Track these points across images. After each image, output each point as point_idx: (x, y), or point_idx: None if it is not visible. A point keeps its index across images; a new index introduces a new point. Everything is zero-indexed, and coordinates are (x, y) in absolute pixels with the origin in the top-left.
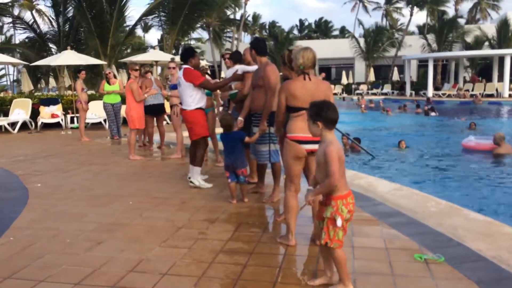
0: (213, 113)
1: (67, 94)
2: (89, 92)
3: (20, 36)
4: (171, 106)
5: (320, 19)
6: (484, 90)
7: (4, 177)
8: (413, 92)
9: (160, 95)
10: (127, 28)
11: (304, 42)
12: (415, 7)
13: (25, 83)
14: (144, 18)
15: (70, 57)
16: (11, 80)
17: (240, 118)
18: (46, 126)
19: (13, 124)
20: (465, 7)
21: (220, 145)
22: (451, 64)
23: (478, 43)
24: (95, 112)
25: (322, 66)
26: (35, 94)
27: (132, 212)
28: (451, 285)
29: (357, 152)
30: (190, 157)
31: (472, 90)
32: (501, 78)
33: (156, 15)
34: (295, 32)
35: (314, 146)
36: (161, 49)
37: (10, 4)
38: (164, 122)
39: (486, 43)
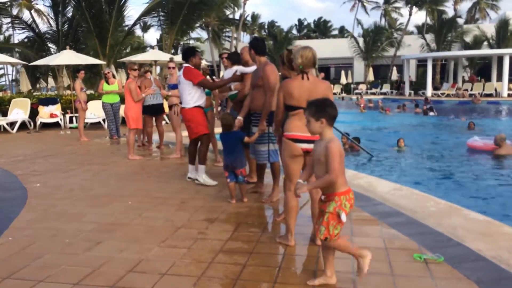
0: (212, 112)
1: (66, 94)
2: (88, 91)
3: (19, 36)
4: (170, 106)
5: (319, 18)
6: (483, 89)
7: (3, 177)
8: (412, 92)
9: (159, 95)
10: (126, 28)
11: (303, 42)
12: (414, 6)
13: (24, 83)
14: (143, 17)
15: (69, 57)
16: (10, 79)
17: (240, 118)
18: (45, 126)
19: (12, 124)
20: (464, 6)
21: (219, 145)
22: (450, 64)
23: (477, 43)
24: (94, 112)
25: (321, 66)
26: (34, 93)
27: (132, 212)
28: (451, 285)
29: (356, 152)
30: (189, 156)
31: (471, 90)
32: (500, 78)
33: (155, 14)
34: (294, 31)
35: (310, 146)
36: (160, 49)
37: (8, 3)
38: (163, 122)
39: (485, 43)
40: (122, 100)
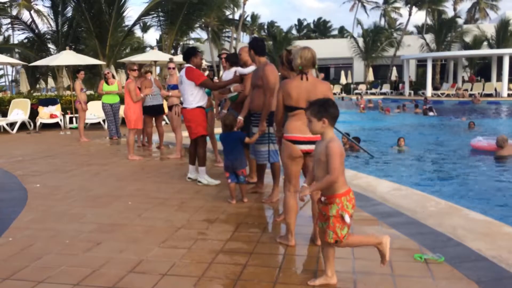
0: (212, 112)
1: (66, 94)
2: (88, 92)
3: (19, 36)
4: (170, 107)
5: (319, 19)
6: (483, 89)
7: (3, 178)
8: (412, 92)
9: (159, 95)
10: (126, 28)
11: (303, 42)
12: (413, 7)
13: (24, 83)
14: (142, 18)
15: (68, 57)
16: (10, 80)
17: (240, 118)
18: (45, 126)
19: (11, 125)
20: (464, 7)
21: (219, 145)
22: (449, 64)
23: (477, 43)
24: (94, 112)
25: (321, 66)
26: (34, 94)
27: (131, 213)
28: (451, 285)
29: (356, 152)
30: (189, 157)
31: (471, 90)
32: (499, 78)
33: (155, 15)
34: (294, 32)
35: (310, 147)
36: (160, 49)
37: (8, 4)
38: (163, 122)
39: (485, 43)
40: (122, 101)
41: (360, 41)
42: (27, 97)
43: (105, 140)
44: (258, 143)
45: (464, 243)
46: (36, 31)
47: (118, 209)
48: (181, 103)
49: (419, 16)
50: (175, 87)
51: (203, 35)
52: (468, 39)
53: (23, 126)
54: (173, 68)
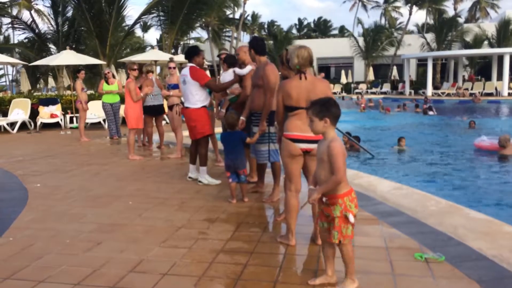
0: (212, 112)
1: (66, 94)
2: (88, 92)
3: (19, 36)
4: (170, 106)
5: (319, 18)
6: (483, 89)
7: (4, 178)
8: (412, 91)
9: (159, 96)
10: (126, 28)
11: (303, 42)
12: (414, 6)
13: (24, 83)
14: (143, 17)
15: (69, 57)
16: (10, 80)
17: (242, 118)
18: (45, 126)
19: (12, 124)
20: (464, 6)
21: (220, 145)
22: (450, 63)
23: (477, 42)
24: (95, 112)
25: (321, 65)
26: (34, 94)
27: (132, 213)
28: (452, 284)
29: (356, 151)
30: (190, 156)
31: (471, 89)
32: (500, 77)
33: (155, 14)
34: (294, 31)
35: (310, 146)
36: (160, 48)
37: (8, 4)
38: (163, 122)
39: (486, 42)
40: (122, 100)
41: (361, 40)
42: (27, 97)
43: (105, 140)
44: (258, 142)
45: (465, 243)
46: (37, 31)
47: (119, 209)
48: (182, 102)
49: (420, 15)
50: (175, 86)
51: (204, 34)
52: (468, 38)
53: (23, 126)
54: (174, 68)
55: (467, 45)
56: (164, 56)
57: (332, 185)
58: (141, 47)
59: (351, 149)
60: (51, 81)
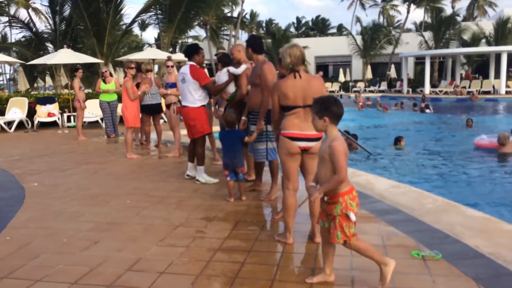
0: (210, 110)
1: (64, 93)
2: (86, 90)
3: (16, 35)
4: (168, 105)
5: (317, 16)
6: (481, 87)
7: (1, 176)
8: (410, 90)
9: (157, 95)
10: (124, 27)
11: (302, 40)
12: (412, 4)
13: (22, 82)
14: (140, 16)
15: (66, 56)
16: (7, 79)
17: (244, 118)
18: (43, 125)
19: (9, 123)
20: (462, 4)
21: (218, 143)
22: (448, 61)
23: (475, 40)
24: (92, 110)
25: (319, 63)
26: (32, 93)
27: (129, 211)
28: (449, 281)
29: (354, 150)
30: (188, 154)
31: (469, 87)
32: (497, 75)
33: (153, 13)
34: (292, 30)
35: (308, 144)
36: (158, 47)
37: (6, 2)
38: (161, 121)
39: (483, 40)
40: (120, 99)
41: (359, 39)
42: (25, 96)
43: (103, 139)
44: (256, 141)
45: (462, 240)
46: (34, 29)
47: (116, 208)
48: (179, 101)
49: (418, 14)
50: (173, 85)
51: (202, 33)
52: (466, 36)
53: (20, 125)
54: (172, 66)
55: (465, 43)
56: (162, 55)
57: (334, 184)
58: (138, 46)
59: (349, 148)
60: (48, 80)
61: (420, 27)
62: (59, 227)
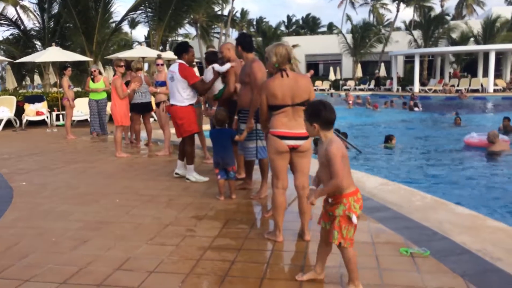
0: (200, 109)
1: (53, 91)
2: (75, 89)
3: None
4: (158, 103)
5: (308, 15)
6: (470, 85)
7: None
8: (400, 88)
9: (147, 93)
10: (113, 24)
11: (292, 38)
12: (401, 3)
13: (10, 80)
14: (130, 14)
15: (55, 54)
16: None
17: (236, 118)
18: (31, 124)
19: None
20: (451, 3)
21: (208, 142)
22: (437, 60)
23: (463, 39)
24: (81, 109)
25: (310, 62)
26: (20, 91)
27: (119, 210)
28: (437, 278)
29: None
30: (179, 153)
31: (458, 86)
32: (486, 74)
33: (143, 11)
34: (283, 28)
35: (296, 142)
36: (148, 45)
37: None
38: (151, 120)
39: (472, 39)
40: (110, 97)
41: (349, 37)
42: (13, 94)
43: (92, 137)
44: (246, 139)
45: (450, 237)
46: (22, 27)
47: (106, 207)
48: (169, 99)
49: (407, 13)
50: (163, 83)
51: (192, 31)
52: (455, 35)
53: (9, 124)
54: (162, 65)
55: (453, 42)
56: (152, 53)
57: (331, 189)
58: (128, 44)
59: None
60: (37, 78)
61: (410, 26)
62: (48, 227)
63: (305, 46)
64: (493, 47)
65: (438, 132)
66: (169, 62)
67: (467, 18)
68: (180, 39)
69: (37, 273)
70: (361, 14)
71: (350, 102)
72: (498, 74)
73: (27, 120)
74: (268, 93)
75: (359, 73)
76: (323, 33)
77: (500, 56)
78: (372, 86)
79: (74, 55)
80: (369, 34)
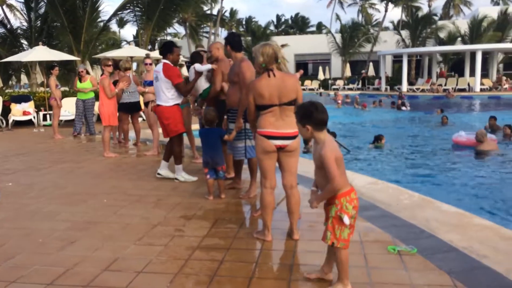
0: (188, 109)
1: (40, 91)
2: (62, 88)
3: None
4: (146, 103)
5: (297, 14)
6: (457, 84)
7: None
8: (388, 87)
9: (136, 92)
10: (101, 24)
11: (281, 38)
12: (389, 3)
13: None
14: (118, 13)
15: (42, 53)
16: None
17: (226, 117)
18: (18, 124)
19: None
20: (439, 3)
21: (197, 141)
22: (424, 60)
23: (451, 39)
24: (69, 109)
25: (299, 61)
26: (6, 91)
27: (107, 210)
28: (424, 276)
29: None
30: (165, 153)
31: (445, 85)
32: (472, 73)
33: (131, 10)
34: (272, 27)
35: (284, 142)
36: (137, 44)
37: None
38: (140, 119)
39: (459, 39)
40: (97, 97)
41: (338, 37)
42: None
43: (80, 137)
44: (235, 139)
45: (437, 235)
46: (8, 26)
47: (94, 207)
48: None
49: (396, 13)
50: (151, 83)
51: (181, 30)
52: (442, 35)
53: None
54: (150, 64)
55: (441, 42)
56: (140, 52)
57: (329, 193)
58: (116, 43)
59: None
60: (24, 78)
61: (398, 26)
62: (35, 227)
63: (294, 46)
64: (479, 47)
65: (426, 131)
66: (157, 62)
67: (454, 18)
68: (169, 38)
69: (23, 274)
70: (350, 14)
71: (339, 101)
72: (485, 74)
73: (13, 120)
74: (255, 93)
75: (348, 73)
76: (312, 32)
77: (487, 56)
78: (360, 85)
79: (61, 55)
80: (357, 34)
